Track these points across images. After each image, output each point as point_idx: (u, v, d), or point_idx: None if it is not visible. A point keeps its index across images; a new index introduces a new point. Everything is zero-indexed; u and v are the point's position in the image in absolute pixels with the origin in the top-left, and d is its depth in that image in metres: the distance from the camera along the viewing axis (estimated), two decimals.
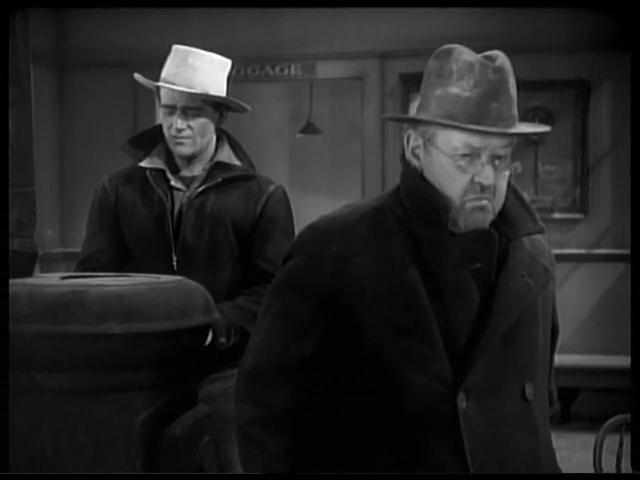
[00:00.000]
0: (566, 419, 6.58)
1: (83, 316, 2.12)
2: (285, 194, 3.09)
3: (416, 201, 1.95)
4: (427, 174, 1.95)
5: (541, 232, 2.04)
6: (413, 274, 1.91)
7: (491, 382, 1.92)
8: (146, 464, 2.17)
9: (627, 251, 6.22)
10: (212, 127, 3.02)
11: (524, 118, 6.99)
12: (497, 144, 1.90)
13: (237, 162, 3.06)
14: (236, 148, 3.10)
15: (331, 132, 9.35)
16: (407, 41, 7.01)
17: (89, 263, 3.02)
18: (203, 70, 3.00)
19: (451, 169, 1.91)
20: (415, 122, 1.98)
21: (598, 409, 6.40)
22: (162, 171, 3.01)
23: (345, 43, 7.14)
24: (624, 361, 5.92)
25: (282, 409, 1.94)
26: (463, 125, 1.88)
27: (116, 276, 2.46)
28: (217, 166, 3.02)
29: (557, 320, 2.14)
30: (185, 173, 3.03)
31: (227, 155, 3.06)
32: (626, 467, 3.16)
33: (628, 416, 3.13)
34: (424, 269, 1.92)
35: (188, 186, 3.01)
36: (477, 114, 1.89)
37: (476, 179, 1.90)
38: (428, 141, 1.94)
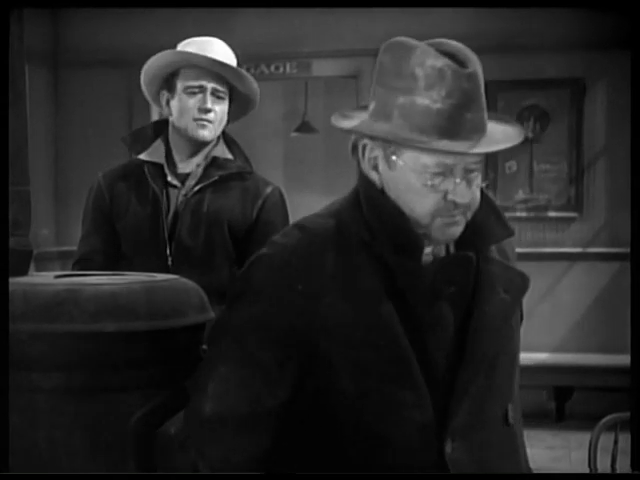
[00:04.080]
0: (561, 418, 6.59)
1: (77, 315, 2.11)
2: (281, 196, 3.08)
3: (385, 226, 1.76)
4: (389, 190, 1.78)
5: (511, 236, 1.86)
6: (388, 310, 1.74)
7: (476, 416, 1.78)
8: (141, 463, 2.17)
9: (622, 249, 6.23)
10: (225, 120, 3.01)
11: (519, 117, 7.02)
12: (471, 159, 1.72)
13: (233, 158, 3.04)
14: (232, 145, 3.08)
15: (326, 130, 9.34)
16: None
17: (85, 263, 3.01)
18: (226, 58, 2.98)
19: (421, 188, 1.72)
20: (380, 140, 1.76)
21: (593, 408, 6.40)
22: (160, 167, 2.99)
23: (340, 41, 7.13)
24: (619, 360, 5.94)
25: (259, 451, 1.81)
26: (440, 147, 1.67)
27: (111, 275, 2.46)
28: (214, 163, 3.00)
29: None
30: (181, 169, 3.01)
31: (223, 151, 3.04)
32: (621, 466, 3.16)
33: (623, 414, 3.13)
34: (399, 302, 1.74)
35: (183, 182, 2.99)
36: (450, 128, 1.67)
37: (449, 197, 1.72)
38: (393, 153, 1.76)
